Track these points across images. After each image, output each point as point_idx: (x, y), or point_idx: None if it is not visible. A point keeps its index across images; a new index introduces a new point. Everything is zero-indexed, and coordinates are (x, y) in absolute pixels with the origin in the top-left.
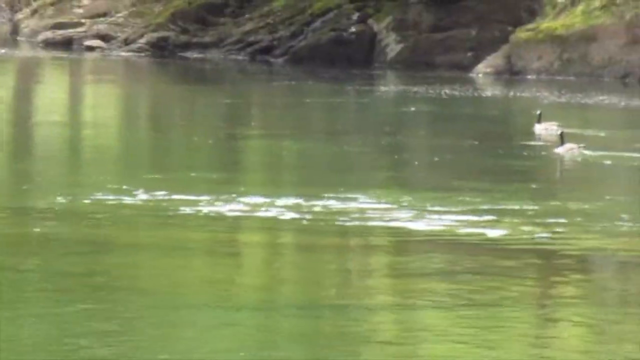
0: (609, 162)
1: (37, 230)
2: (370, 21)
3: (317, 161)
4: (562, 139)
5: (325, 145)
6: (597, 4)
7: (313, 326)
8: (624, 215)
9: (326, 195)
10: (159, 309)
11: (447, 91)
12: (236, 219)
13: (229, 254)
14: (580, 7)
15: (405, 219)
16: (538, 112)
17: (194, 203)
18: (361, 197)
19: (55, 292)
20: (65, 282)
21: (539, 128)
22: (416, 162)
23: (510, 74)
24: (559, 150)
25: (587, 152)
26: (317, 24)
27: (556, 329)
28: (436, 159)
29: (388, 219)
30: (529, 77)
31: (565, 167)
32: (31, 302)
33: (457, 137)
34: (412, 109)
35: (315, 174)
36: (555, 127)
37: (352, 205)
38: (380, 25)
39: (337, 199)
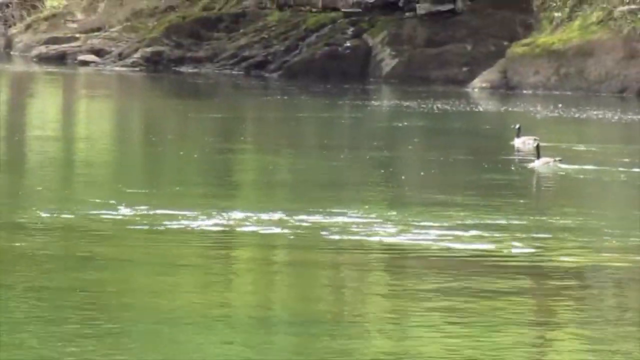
0: (582, 176)
1: (20, 244)
2: (365, 36)
3: (307, 176)
4: (538, 152)
5: (316, 160)
6: (594, 18)
7: (308, 343)
8: (608, 230)
9: (315, 210)
10: (148, 324)
11: (441, 106)
12: (225, 234)
13: (220, 270)
14: (577, 22)
15: (390, 234)
16: (517, 126)
17: (183, 218)
18: (349, 212)
19: (42, 307)
20: (51, 298)
21: (518, 142)
22: (403, 177)
23: (506, 89)
24: (535, 164)
25: (563, 165)
26: (312, 38)
27: (553, 348)
28: (422, 173)
29: (371, 233)
30: (525, 92)
31: (542, 181)
32: (15, 318)
33: (444, 151)
34: (405, 123)
35: (304, 189)
36: (532, 141)
37: (339, 220)
38: (375, 40)
39: (326, 213)
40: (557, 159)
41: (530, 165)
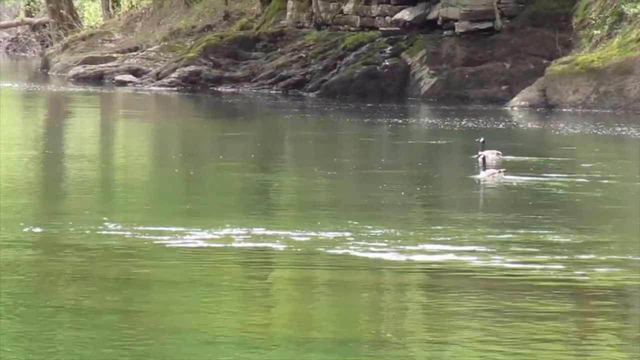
0: (526, 185)
1: (58, 265)
2: (403, 55)
3: (345, 196)
4: (484, 164)
5: (354, 179)
6: (633, 36)
7: None
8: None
9: (353, 230)
10: (188, 345)
11: (479, 125)
12: (264, 253)
13: (259, 290)
14: (616, 40)
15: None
16: (481, 139)
17: (222, 238)
18: (387, 231)
19: (80, 328)
20: (90, 319)
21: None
22: (442, 196)
23: (545, 107)
24: (481, 175)
25: (507, 177)
26: (350, 57)
27: None
28: (462, 192)
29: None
30: (564, 110)
31: (495, 194)
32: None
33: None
34: (444, 142)
35: (342, 209)
36: (494, 155)
37: (378, 240)
38: (413, 59)
39: (365, 233)
40: (502, 170)
41: (476, 176)
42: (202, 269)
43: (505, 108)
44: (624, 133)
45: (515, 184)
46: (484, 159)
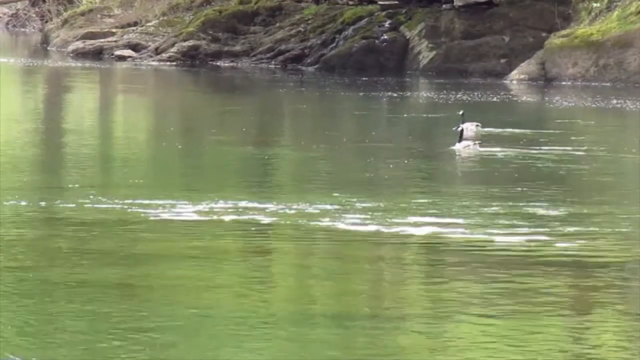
0: (500, 156)
1: (59, 240)
2: (402, 28)
3: (343, 170)
4: (461, 136)
5: (352, 153)
6: (632, 9)
7: (348, 338)
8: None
9: (352, 203)
10: (188, 319)
11: (474, 98)
12: (264, 227)
13: (260, 264)
14: (616, 13)
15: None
16: (461, 112)
17: (222, 211)
18: (387, 205)
19: (81, 302)
20: (91, 293)
21: (462, 128)
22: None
23: (545, 81)
24: (456, 146)
25: (482, 148)
26: (349, 31)
27: (595, 342)
28: (460, 165)
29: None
30: (564, 83)
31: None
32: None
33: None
34: (442, 115)
35: (340, 183)
36: (474, 127)
37: (378, 213)
38: (412, 33)
39: (364, 207)
40: (477, 142)
41: (452, 147)
42: (200, 242)
43: (504, 81)
44: (619, 106)
45: (496, 156)
46: (461, 131)
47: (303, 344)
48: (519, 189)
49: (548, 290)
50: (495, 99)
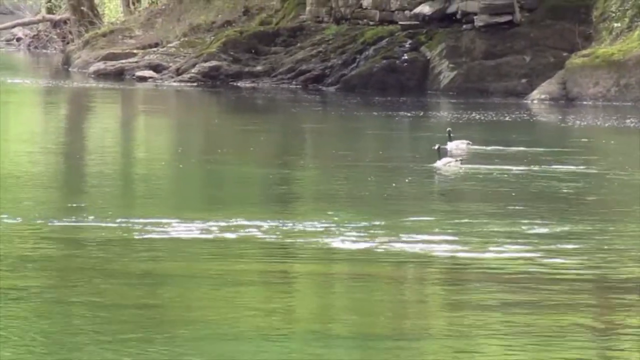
0: (481, 175)
1: (79, 260)
2: (422, 49)
3: (364, 189)
4: (439, 153)
5: (374, 173)
6: None
7: (369, 357)
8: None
9: (374, 222)
10: (209, 340)
11: (499, 118)
12: (283, 246)
13: (280, 283)
14: (637, 32)
15: (449, 245)
16: (448, 129)
17: (242, 231)
18: (409, 224)
19: (100, 324)
20: (110, 314)
21: (450, 145)
22: (460, 188)
23: (566, 100)
24: (437, 164)
25: (463, 165)
26: (369, 52)
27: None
28: (481, 184)
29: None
30: (585, 103)
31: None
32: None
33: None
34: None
35: (361, 202)
36: (464, 145)
37: (400, 232)
38: (432, 53)
39: (386, 226)
40: (459, 159)
41: (433, 165)
42: (221, 262)
43: (525, 101)
44: (633, 125)
45: (478, 173)
46: (438, 148)
47: None
48: (514, 207)
49: (568, 309)
50: (508, 118)
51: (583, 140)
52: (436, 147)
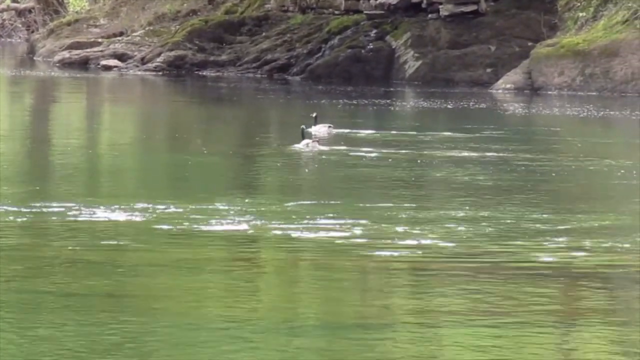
0: (338, 156)
1: (47, 250)
2: (388, 38)
3: (331, 177)
4: (303, 135)
5: (340, 158)
6: (619, 18)
7: (335, 347)
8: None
9: (340, 212)
10: (174, 328)
11: (463, 107)
12: (250, 236)
13: (246, 273)
14: (602, 22)
15: (415, 236)
16: (314, 114)
17: (207, 221)
18: (374, 214)
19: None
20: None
21: (314, 129)
22: (428, 176)
23: (531, 90)
24: (298, 145)
25: (321, 147)
26: (335, 41)
27: (582, 350)
28: (446, 171)
29: (396, 236)
30: (550, 92)
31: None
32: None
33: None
34: (429, 124)
35: (329, 191)
36: (325, 129)
37: (365, 222)
38: (398, 42)
39: (352, 215)
40: (316, 140)
41: (294, 146)
42: (188, 253)
43: (491, 91)
44: (585, 114)
45: (332, 154)
46: (302, 130)
47: (290, 353)
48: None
49: (536, 299)
50: (466, 106)
51: (520, 127)
52: (301, 128)
